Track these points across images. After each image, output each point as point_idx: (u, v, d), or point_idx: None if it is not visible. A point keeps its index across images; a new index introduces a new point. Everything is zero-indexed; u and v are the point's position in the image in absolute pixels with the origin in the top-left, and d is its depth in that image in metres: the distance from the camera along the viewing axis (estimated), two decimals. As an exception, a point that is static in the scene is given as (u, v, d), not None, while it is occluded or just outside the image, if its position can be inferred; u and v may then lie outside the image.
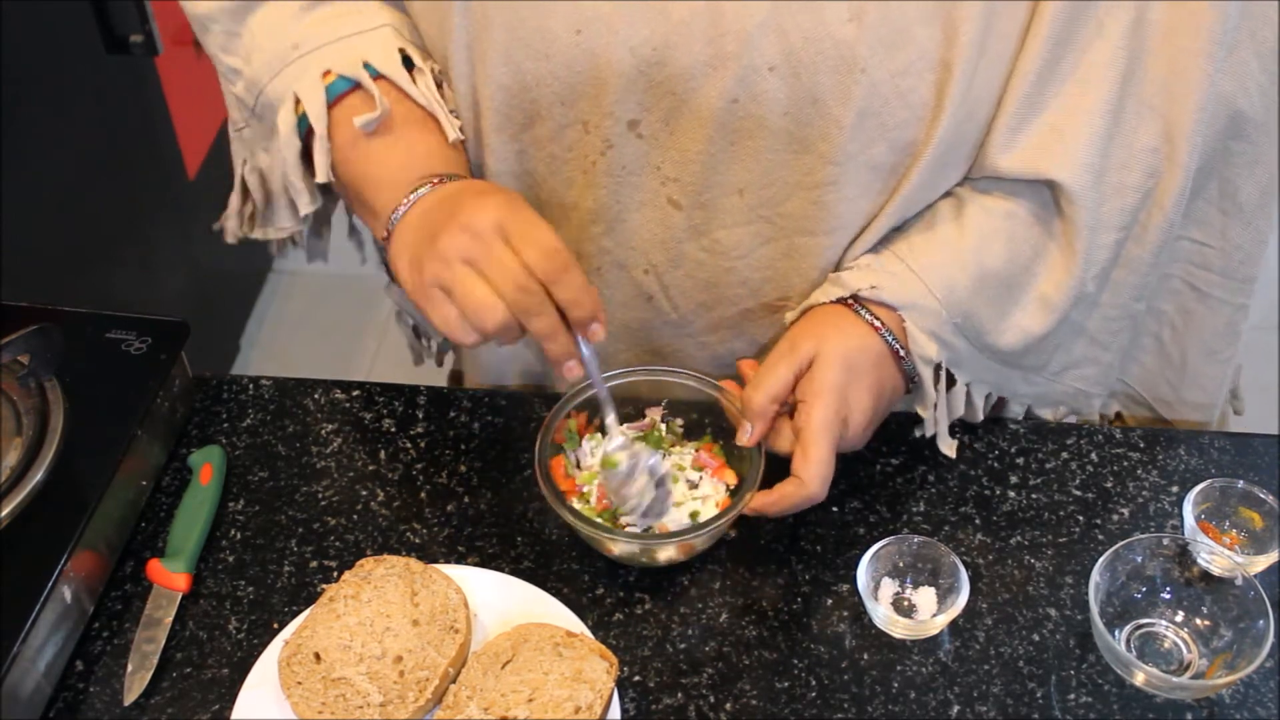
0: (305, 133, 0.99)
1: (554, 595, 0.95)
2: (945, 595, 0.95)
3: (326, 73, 0.97)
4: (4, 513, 0.93)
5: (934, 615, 0.94)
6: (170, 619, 0.96)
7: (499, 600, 0.95)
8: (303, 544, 1.01)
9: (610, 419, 0.96)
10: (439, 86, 0.99)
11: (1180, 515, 1.00)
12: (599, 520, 0.97)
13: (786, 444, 0.96)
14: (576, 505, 0.98)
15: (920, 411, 1.03)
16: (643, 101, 0.93)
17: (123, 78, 1.84)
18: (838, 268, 1.01)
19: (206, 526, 1.01)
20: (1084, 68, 0.92)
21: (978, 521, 1.02)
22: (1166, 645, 0.94)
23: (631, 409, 1.03)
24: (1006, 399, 1.09)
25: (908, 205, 0.97)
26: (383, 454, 1.07)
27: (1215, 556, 0.93)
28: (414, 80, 0.98)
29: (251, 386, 1.13)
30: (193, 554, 0.99)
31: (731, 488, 0.99)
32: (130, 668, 0.94)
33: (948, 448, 1.04)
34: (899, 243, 0.99)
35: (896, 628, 0.94)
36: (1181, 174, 0.95)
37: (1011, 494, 1.04)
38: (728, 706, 0.92)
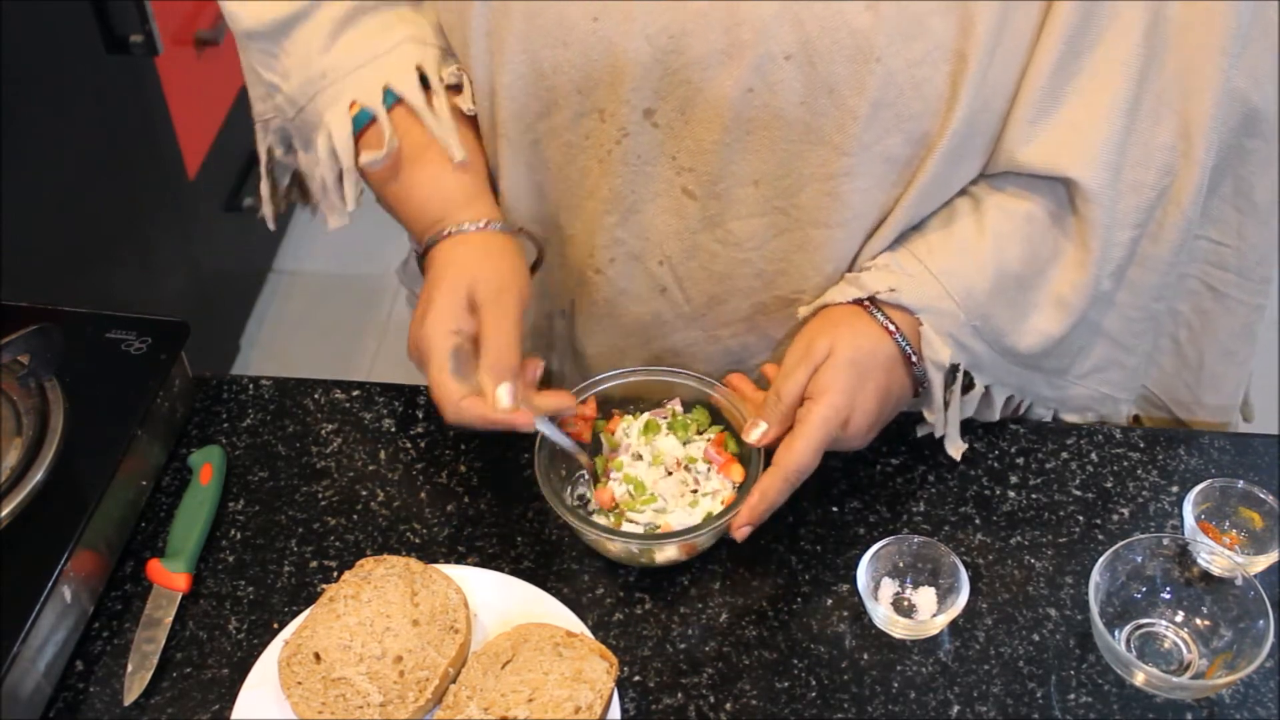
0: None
1: (554, 595, 0.95)
2: (945, 595, 0.95)
3: (353, 104, 1.01)
4: (4, 513, 0.93)
5: (934, 615, 0.94)
6: (170, 619, 0.96)
7: (499, 600, 0.95)
8: (303, 544, 1.01)
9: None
10: (459, 90, 1.02)
11: (1180, 515, 1.00)
12: (599, 520, 0.97)
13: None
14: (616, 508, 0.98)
15: (927, 415, 1.03)
16: (658, 90, 0.94)
17: (123, 78, 1.84)
18: (854, 265, 1.01)
19: (206, 526, 1.01)
20: (1101, 64, 0.92)
21: (978, 521, 1.02)
22: (1166, 645, 0.94)
23: (633, 408, 1.03)
24: (1030, 403, 1.09)
25: (923, 199, 0.97)
26: (383, 454, 1.07)
27: (1215, 556, 0.93)
28: (429, 100, 1.01)
29: (251, 386, 1.13)
30: (193, 554, 0.99)
31: (738, 484, 0.99)
32: (130, 668, 0.94)
33: (956, 451, 1.04)
34: (917, 243, 0.99)
35: (896, 628, 0.94)
36: (1198, 171, 0.95)
37: (1011, 494, 1.04)
38: (728, 706, 0.92)
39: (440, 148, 1.01)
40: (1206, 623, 0.93)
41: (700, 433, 1.02)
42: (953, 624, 0.95)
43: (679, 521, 0.97)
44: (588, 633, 0.92)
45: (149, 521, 1.03)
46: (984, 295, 0.98)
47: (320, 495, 1.05)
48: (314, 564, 1.00)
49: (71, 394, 1.01)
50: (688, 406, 1.03)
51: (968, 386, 1.03)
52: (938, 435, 1.04)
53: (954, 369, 1.00)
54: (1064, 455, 1.07)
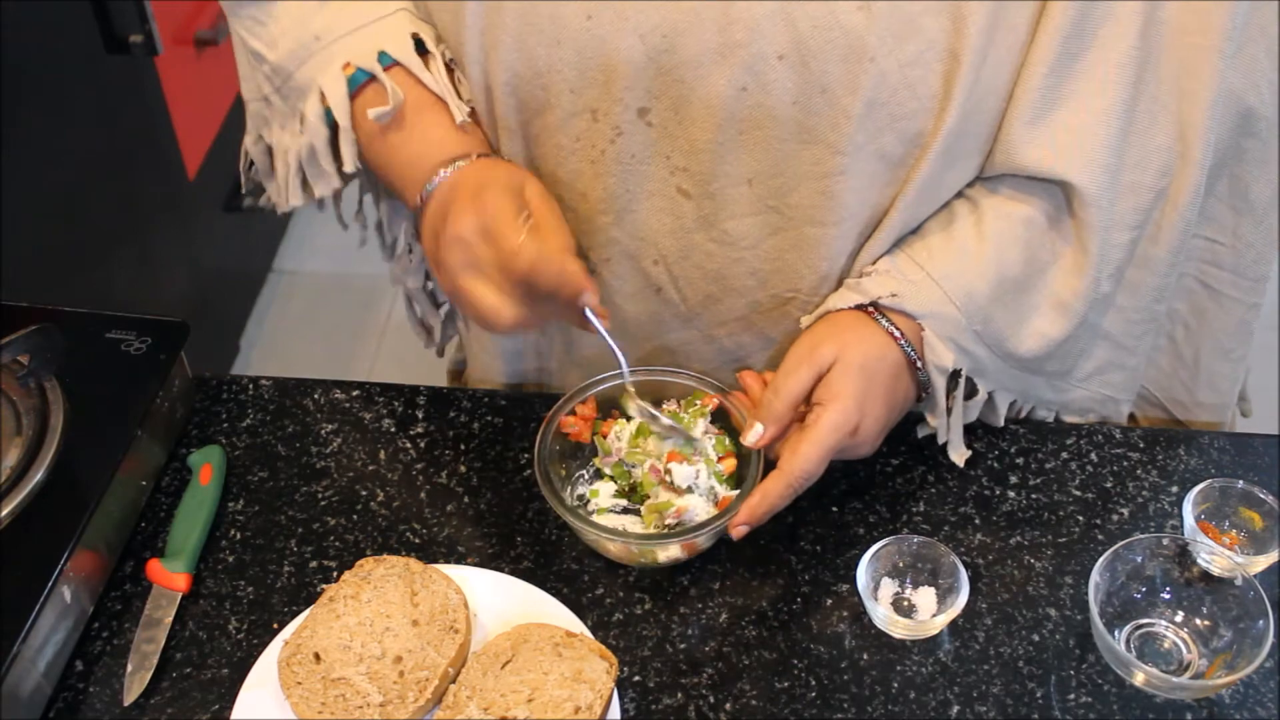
0: (332, 121, 1.02)
1: (554, 595, 0.95)
2: (945, 595, 0.95)
3: (347, 64, 1.00)
4: (4, 513, 0.93)
5: (934, 615, 0.94)
6: (170, 619, 0.96)
7: (499, 600, 0.95)
8: (303, 544, 1.01)
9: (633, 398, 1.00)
10: (450, 70, 1.01)
11: (1180, 515, 1.00)
12: (599, 520, 0.97)
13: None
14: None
15: (929, 419, 1.03)
16: (652, 89, 0.94)
17: (123, 78, 1.84)
18: (853, 269, 1.01)
19: (206, 526, 1.01)
20: (1097, 66, 0.92)
21: (978, 521, 1.02)
22: (1166, 645, 0.94)
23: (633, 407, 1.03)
24: (1033, 407, 1.09)
25: (919, 199, 0.97)
26: (383, 454, 1.07)
27: (1215, 556, 0.93)
28: (426, 65, 1.00)
29: (251, 386, 1.13)
30: (193, 554, 0.99)
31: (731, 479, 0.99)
32: (130, 668, 0.94)
33: (959, 457, 1.04)
34: (917, 247, 0.99)
35: (896, 628, 0.94)
36: (1196, 172, 0.95)
37: (1011, 494, 1.04)
38: (728, 706, 0.92)
39: (436, 110, 1.00)
40: (1206, 623, 0.93)
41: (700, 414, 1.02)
42: (953, 624, 0.95)
43: (694, 504, 0.97)
44: (587, 633, 0.92)
45: (149, 521, 1.03)
46: (984, 299, 0.98)
47: (320, 495, 1.05)
48: (314, 564, 1.00)
49: (71, 394, 1.01)
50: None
51: (971, 393, 1.03)
52: (941, 441, 1.04)
53: (956, 375, 1.00)
54: (1064, 455, 1.07)
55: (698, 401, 1.01)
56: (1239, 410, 1.16)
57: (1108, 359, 1.06)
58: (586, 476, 1.02)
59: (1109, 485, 1.05)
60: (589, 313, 0.92)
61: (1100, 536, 1.01)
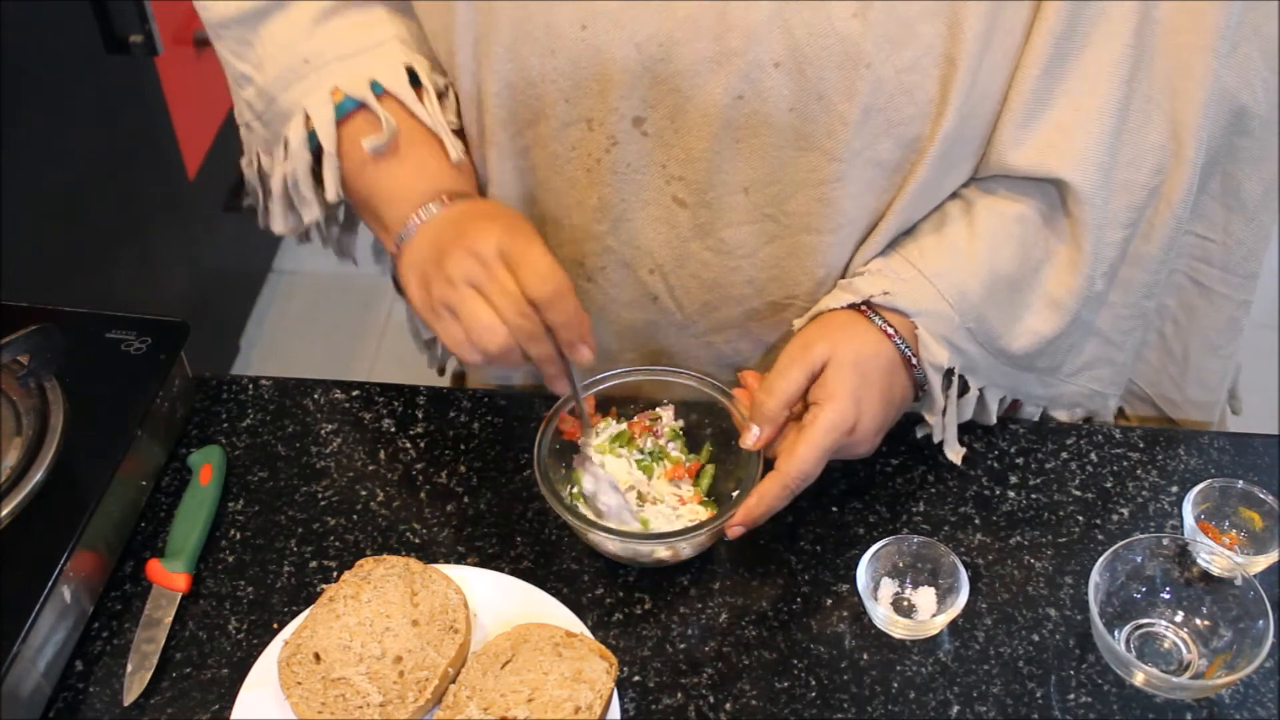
0: (315, 147, 1.01)
1: (554, 595, 0.95)
2: (945, 595, 0.95)
3: (335, 90, 0.99)
4: (4, 513, 0.93)
5: (934, 615, 0.94)
6: (170, 619, 0.96)
7: (499, 600, 0.95)
8: (303, 544, 1.01)
9: (587, 437, 1.01)
10: (441, 99, 1.01)
11: (1180, 515, 1.00)
12: (598, 520, 0.97)
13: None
14: (584, 511, 0.98)
15: (927, 417, 1.03)
16: (647, 98, 0.93)
17: (123, 78, 1.84)
18: (847, 271, 1.01)
19: (206, 526, 1.01)
20: (1090, 66, 0.92)
21: (977, 521, 1.02)
22: (1166, 645, 0.94)
23: (634, 407, 1.03)
24: (1021, 401, 1.09)
25: (914, 204, 0.97)
26: (382, 454, 1.07)
27: (1215, 556, 0.93)
28: (420, 98, 1.00)
29: (251, 386, 1.13)
30: (192, 554, 0.99)
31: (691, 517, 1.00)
32: (130, 668, 0.94)
33: (955, 455, 1.04)
34: (909, 247, 0.99)
35: (896, 628, 0.94)
36: (1189, 170, 0.95)
37: (1011, 494, 1.04)
38: (728, 706, 0.92)
39: (429, 143, 1.00)
40: (1206, 623, 0.93)
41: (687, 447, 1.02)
42: (952, 624, 0.95)
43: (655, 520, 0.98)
44: (587, 633, 0.92)
45: (149, 521, 1.03)
46: (977, 297, 0.98)
47: (320, 495, 1.05)
48: (314, 564, 1.00)
49: (71, 394, 1.01)
50: (682, 410, 1.03)
51: (962, 390, 1.03)
52: (936, 440, 1.04)
53: (949, 373, 1.00)
54: (1063, 455, 1.07)
55: (653, 419, 1.03)
56: (1229, 407, 1.16)
57: (1096, 354, 1.06)
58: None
59: (1109, 485, 1.05)
60: (571, 365, 0.94)
61: (1100, 536, 1.01)
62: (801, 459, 0.93)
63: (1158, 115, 0.94)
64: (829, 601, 0.97)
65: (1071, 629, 0.96)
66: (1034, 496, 1.04)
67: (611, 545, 0.97)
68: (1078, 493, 1.04)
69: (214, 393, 1.12)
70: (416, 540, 1.01)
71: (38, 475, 0.96)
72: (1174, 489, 1.04)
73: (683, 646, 0.95)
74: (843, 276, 1.01)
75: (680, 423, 1.04)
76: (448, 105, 1.01)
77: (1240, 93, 0.95)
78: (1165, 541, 0.94)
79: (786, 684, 0.93)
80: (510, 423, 1.09)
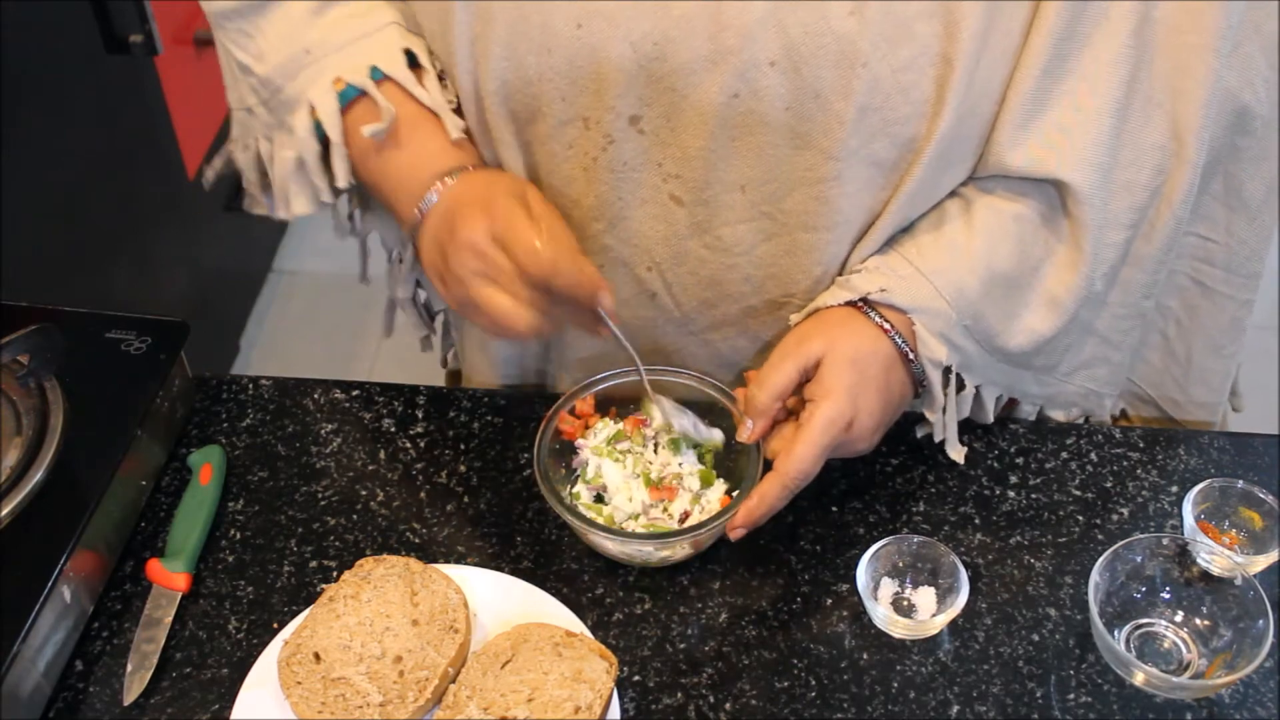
0: (322, 136, 1.01)
1: (554, 595, 0.95)
2: (945, 595, 0.95)
3: (338, 79, 0.99)
4: (4, 513, 0.93)
5: (934, 615, 0.94)
6: (170, 619, 0.96)
7: (499, 600, 0.95)
8: (303, 544, 1.01)
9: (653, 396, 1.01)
10: (441, 79, 1.01)
11: (1180, 515, 1.00)
12: (598, 520, 0.97)
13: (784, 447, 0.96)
14: (584, 511, 0.98)
15: (928, 415, 1.03)
16: (644, 97, 0.93)
17: (123, 78, 1.84)
18: (844, 269, 1.01)
19: (206, 526, 1.01)
20: (1090, 66, 0.92)
21: (977, 521, 1.02)
22: (1166, 645, 0.94)
23: (633, 406, 1.03)
24: (1018, 400, 1.09)
25: (911, 203, 0.97)
26: (382, 454, 1.07)
27: (1215, 556, 0.93)
28: (420, 79, 1.00)
29: (251, 386, 1.13)
30: (192, 554, 0.99)
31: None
32: (130, 668, 0.94)
33: (957, 454, 1.04)
34: (907, 244, 0.99)
35: (896, 628, 0.94)
36: (1189, 170, 0.95)
37: (1011, 494, 1.04)
38: (727, 706, 0.92)
39: (429, 124, 1.00)
40: (1206, 623, 0.93)
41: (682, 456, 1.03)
42: (952, 624, 0.95)
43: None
44: (587, 633, 0.92)
45: (149, 521, 1.03)
46: (975, 294, 0.98)
47: (320, 495, 1.05)
48: (314, 564, 1.00)
49: (71, 394, 1.01)
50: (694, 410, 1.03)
51: (959, 388, 1.03)
52: (938, 439, 1.04)
53: (946, 371, 1.00)
54: (1063, 455, 1.07)
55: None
56: (1230, 405, 1.16)
57: (1094, 354, 1.06)
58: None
59: (1109, 485, 1.05)
60: (603, 313, 0.92)
61: (1100, 536, 1.01)
62: (800, 458, 0.93)
63: (1158, 115, 0.94)
64: (829, 601, 0.97)
65: (1071, 629, 0.96)
66: (1034, 496, 1.04)
67: (611, 545, 0.97)
68: (1078, 492, 1.04)
69: (214, 393, 1.12)
70: (416, 540, 1.01)
71: (38, 475, 0.96)
72: (1174, 489, 1.04)
73: (683, 646, 0.95)
74: (840, 274, 1.01)
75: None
76: (449, 85, 1.02)
77: (1242, 92, 0.95)
78: (1165, 541, 0.94)
79: (786, 684, 0.93)
80: (510, 423, 1.09)
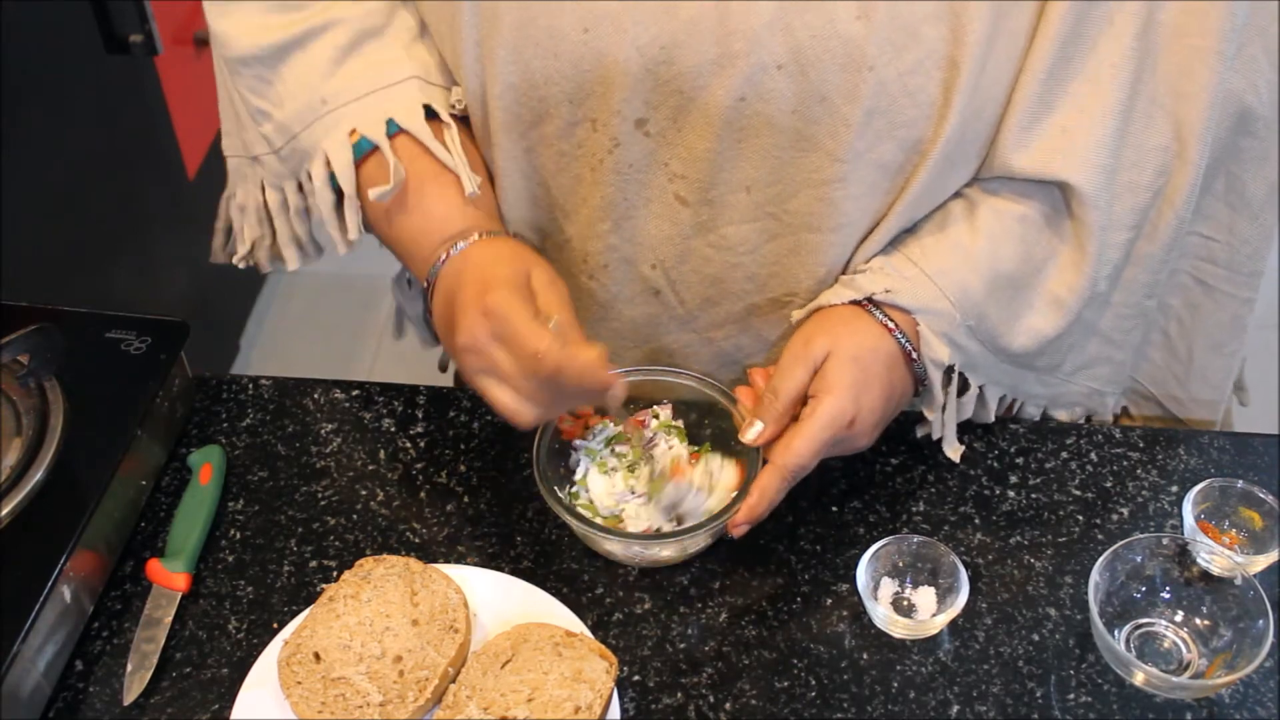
0: (337, 187, 1.02)
1: (554, 595, 0.95)
2: (945, 595, 0.95)
3: (353, 131, 0.99)
4: (4, 513, 0.93)
5: (934, 615, 0.94)
6: (170, 619, 0.96)
7: (499, 600, 0.95)
8: (302, 544, 1.01)
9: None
10: (459, 121, 1.01)
11: (1180, 515, 1.00)
12: (598, 520, 0.97)
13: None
14: (582, 511, 0.98)
15: (927, 414, 1.03)
16: (650, 100, 0.94)
17: (123, 78, 1.84)
18: (848, 269, 1.01)
19: (206, 526, 1.01)
20: (1094, 67, 0.92)
21: (977, 521, 1.02)
22: (1166, 645, 0.94)
23: (633, 406, 1.03)
24: (1022, 402, 1.09)
25: (916, 205, 0.97)
26: (382, 454, 1.07)
27: (1215, 556, 0.93)
28: (440, 133, 1.00)
29: (251, 386, 1.13)
30: (192, 554, 0.99)
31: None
32: (130, 667, 0.94)
33: (954, 452, 1.04)
34: (911, 245, 0.99)
35: (896, 628, 0.94)
36: (1192, 171, 0.96)
37: (1011, 494, 1.04)
38: (727, 706, 0.92)
39: (442, 181, 1.00)
40: (1206, 622, 0.93)
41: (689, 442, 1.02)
42: (952, 624, 0.95)
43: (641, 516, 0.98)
44: (587, 633, 0.92)
45: (149, 521, 1.03)
46: (979, 295, 0.98)
47: (320, 495, 1.05)
48: (314, 564, 1.00)
49: (71, 394, 1.01)
50: (682, 410, 1.03)
51: (962, 388, 1.03)
52: (935, 437, 1.04)
53: (949, 371, 1.00)
54: (1063, 455, 1.07)
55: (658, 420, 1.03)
56: (1237, 399, 1.16)
57: (1097, 353, 1.06)
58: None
59: (1109, 485, 1.05)
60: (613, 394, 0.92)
61: (1100, 536, 1.01)
62: (798, 452, 0.93)
63: (1161, 117, 0.94)
64: (829, 601, 0.97)
65: (1071, 629, 0.96)
66: (1034, 496, 1.04)
67: (611, 545, 0.97)
68: (1078, 492, 1.04)
69: (214, 392, 1.12)
70: (416, 540, 1.01)
71: (38, 475, 0.96)
72: (1174, 489, 1.04)
73: (683, 646, 0.95)
74: (844, 273, 1.01)
75: (679, 422, 1.03)
76: (467, 146, 1.01)
77: (1245, 94, 0.95)
78: (1165, 541, 0.94)
79: (786, 684, 0.93)
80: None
